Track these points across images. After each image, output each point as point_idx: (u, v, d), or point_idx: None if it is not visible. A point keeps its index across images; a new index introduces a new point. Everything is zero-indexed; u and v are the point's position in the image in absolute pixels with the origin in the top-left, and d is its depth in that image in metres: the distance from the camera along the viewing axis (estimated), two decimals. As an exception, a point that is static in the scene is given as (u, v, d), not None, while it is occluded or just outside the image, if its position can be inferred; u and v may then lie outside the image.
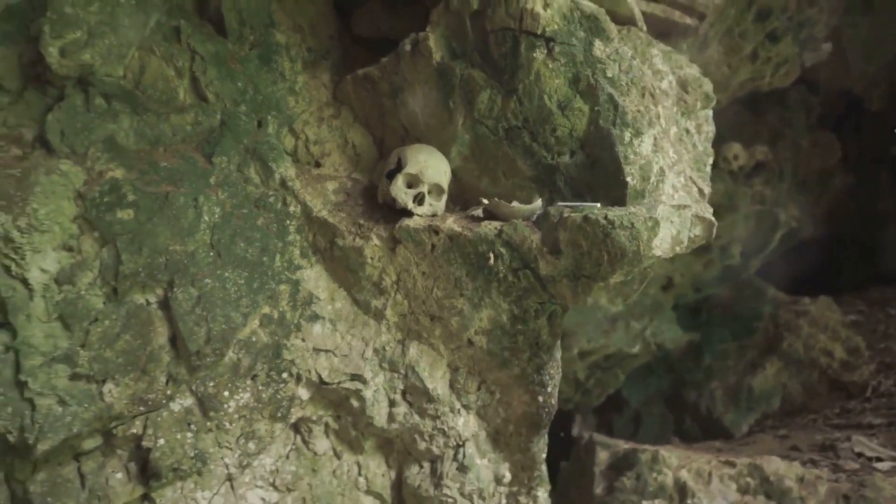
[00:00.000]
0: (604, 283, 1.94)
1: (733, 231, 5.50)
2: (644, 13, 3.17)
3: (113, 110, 2.17)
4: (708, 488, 3.55)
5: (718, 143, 5.69)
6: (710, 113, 2.55)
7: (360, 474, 2.42)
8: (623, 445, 4.00)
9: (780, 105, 6.23)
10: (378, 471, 2.45)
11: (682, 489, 3.57)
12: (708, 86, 2.54)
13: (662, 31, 3.68)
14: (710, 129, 2.51)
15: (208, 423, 2.08)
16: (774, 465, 3.52)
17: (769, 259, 6.43)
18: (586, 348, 4.55)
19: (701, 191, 2.21)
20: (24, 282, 1.86)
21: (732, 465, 3.62)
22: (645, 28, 2.47)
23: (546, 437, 2.46)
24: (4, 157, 2.03)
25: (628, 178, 1.99)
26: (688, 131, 2.38)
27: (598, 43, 2.05)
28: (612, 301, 4.69)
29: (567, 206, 1.96)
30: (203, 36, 2.38)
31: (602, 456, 4.03)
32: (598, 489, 3.88)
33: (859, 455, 3.85)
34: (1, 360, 1.81)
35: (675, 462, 3.70)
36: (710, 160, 2.45)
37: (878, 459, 3.76)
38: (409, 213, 2.15)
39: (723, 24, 4.35)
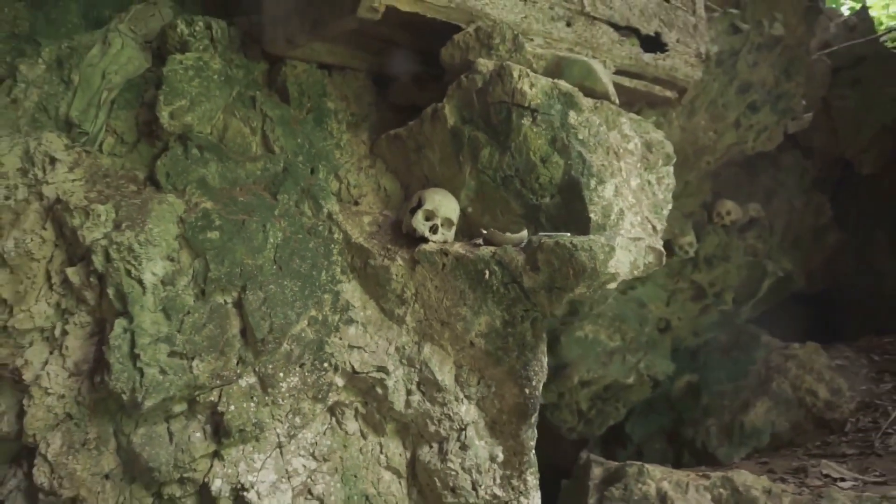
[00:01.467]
0: (571, 293, 2.55)
1: (726, 280, 6.05)
2: (627, 88, 3.85)
3: (204, 158, 2.87)
4: (685, 496, 4.03)
5: (714, 200, 6.33)
6: (671, 169, 3.18)
7: (381, 452, 3.00)
8: (615, 463, 4.51)
9: (774, 168, 6.84)
10: (396, 451, 3.03)
11: (662, 497, 4.05)
12: (669, 148, 3.17)
13: (647, 101, 4.35)
14: (669, 181, 3.13)
15: (266, 398, 2.70)
16: (743, 478, 4.00)
17: (769, 311, 6.94)
18: (586, 378, 5.09)
19: (655, 228, 2.82)
20: (140, 282, 2.53)
21: (707, 477, 4.10)
22: (617, 102, 3.12)
23: (534, 427, 3.01)
24: (125, 191, 2.73)
25: (592, 215, 2.61)
26: (649, 182, 3.00)
27: (572, 113, 2.71)
28: (610, 337, 5.24)
29: (545, 235, 2.58)
30: (272, 103, 3.09)
31: (596, 471, 4.53)
32: (592, 500, 4.37)
33: (826, 476, 4.31)
34: (121, 338, 2.46)
35: (658, 475, 4.19)
36: (669, 206, 3.07)
37: (842, 480, 4.21)
38: (426, 240, 2.80)
39: (707, 96, 5.02)
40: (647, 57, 3.83)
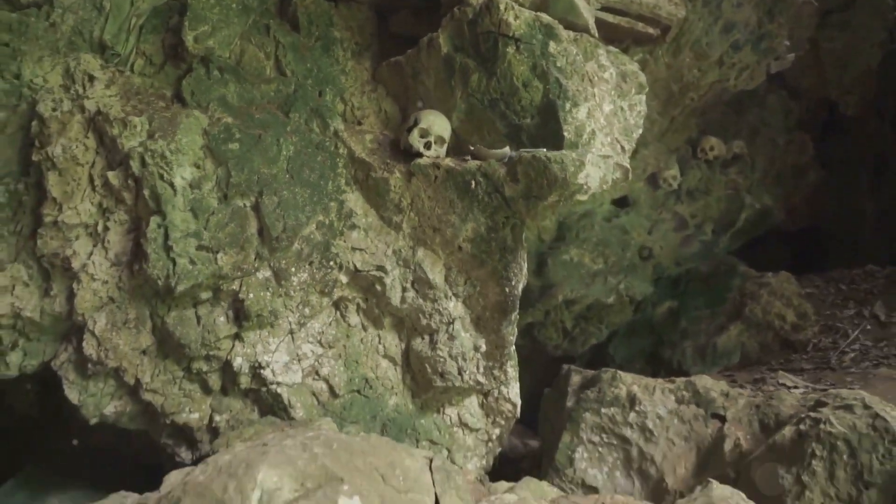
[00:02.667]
0: (545, 201, 2.93)
1: (707, 211, 6.43)
2: (611, 23, 4.16)
3: (224, 79, 3.22)
4: (652, 398, 4.49)
5: (700, 137, 6.65)
6: (643, 97, 3.51)
7: (380, 343, 3.44)
8: (592, 371, 4.96)
9: (760, 107, 7.13)
10: (393, 342, 3.47)
11: (632, 399, 4.51)
12: (642, 78, 3.50)
13: (633, 39, 4.65)
14: (641, 108, 3.47)
15: (280, 290, 3.12)
16: (704, 382, 4.45)
17: (752, 245, 7.33)
18: (570, 297, 5.52)
19: (623, 148, 3.19)
20: (171, 185, 2.91)
21: (672, 381, 4.56)
22: (597, 35, 3.45)
23: (514, 322, 3.44)
24: (156, 106, 3.09)
25: (566, 134, 2.98)
26: (622, 108, 3.35)
27: (552, 43, 3.05)
28: (594, 261, 5.65)
29: (525, 151, 2.96)
30: (284, 31, 3.43)
31: (575, 379, 4.99)
32: (570, 402, 4.83)
33: (781, 384, 4.77)
34: (156, 233, 2.87)
35: (629, 380, 4.64)
36: (639, 130, 3.42)
37: (795, 387, 4.67)
38: (421, 155, 3.17)
39: (692, 35, 5.29)
40: (632, -5, 4.11)
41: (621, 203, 6.22)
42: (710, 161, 6.44)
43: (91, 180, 2.98)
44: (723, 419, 4.35)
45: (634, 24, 4.25)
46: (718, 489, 2.74)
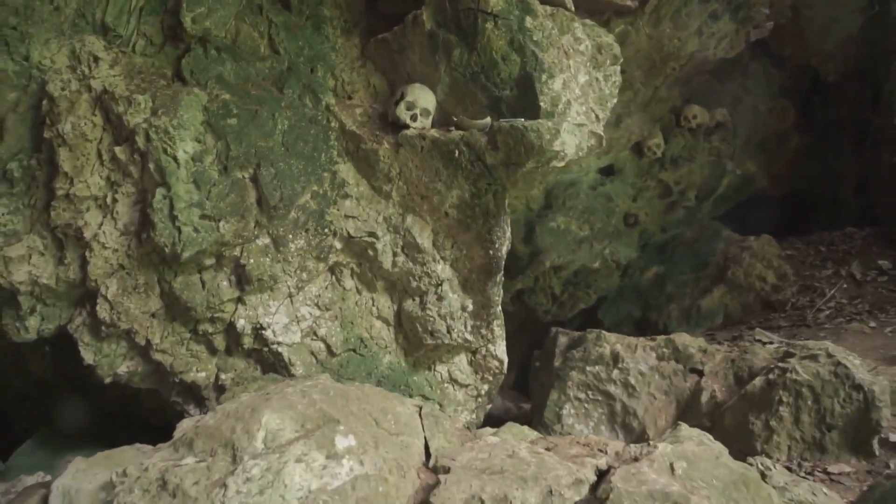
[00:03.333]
0: (523, 168, 3.14)
1: (690, 178, 6.63)
2: (588, -3, 4.32)
3: (221, 58, 3.41)
4: (634, 355, 4.74)
5: (683, 104, 6.82)
6: (618, 68, 3.70)
7: (373, 305, 3.67)
8: (578, 333, 5.21)
9: (742, 76, 7.30)
10: (385, 304, 3.70)
11: (615, 357, 4.76)
12: (617, 49, 3.70)
13: (614, 11, 4.81)
14: (616, 78, 3.67)
15: (279, 256, 3.34)
16: (683, 339, 4.70)
17: (738, 211, 7.55)
18: (557, 263, 5.75)
19: (598, 117, 3.39)
20: (175, 158, 3.12)
21: (653, 339, 4.81)
22: (573, 10, 3.63)
23: (499, 283, 3.67)
24: (158, 85, 3.29)
25: (542, 104, 3.18)
26: (597, 79, 3.55)
27: (528, 18, 3.24)
28: (580, 227, 5.88)
29: (504, 121, 3.16)
30: (276, 10, 3.60)
31: (562, 340, 5.24)
32: (557, 362, 5.09)
33: (757, 340, 5.02)
34: (162, 203, 3.08)
35: (612, 339, 4.89)
36: (614, 100, 3.62)
37: (770, 343, 4.92)
38: (408, 127, 3.38)
39: (672, 6, 5.46)
40: (610, -32, 4.28)
41: (607, 171, 6.43)
42: (693, 129, 6.63)
43: (99, 155, 3.19)
44: (700, 373, 4.61)
45: (612, -2, 4.42)
46: (686, 430, 2.98)
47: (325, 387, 2.65)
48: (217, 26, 3.40)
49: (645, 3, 4.86)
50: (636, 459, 2.62)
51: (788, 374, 3.85)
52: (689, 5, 5.51)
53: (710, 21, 5.63)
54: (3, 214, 3.14)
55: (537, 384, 5.36)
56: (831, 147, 8.04)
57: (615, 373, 4.76)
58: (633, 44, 5.55)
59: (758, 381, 4.07)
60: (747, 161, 7.15)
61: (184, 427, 2.55)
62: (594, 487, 2.48)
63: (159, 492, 2.20)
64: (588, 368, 4.88)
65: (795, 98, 7.87)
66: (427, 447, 2.77)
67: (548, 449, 2.78)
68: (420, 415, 2.91)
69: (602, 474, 2.56)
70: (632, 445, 2.78)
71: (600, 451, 2.75)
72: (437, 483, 2.45)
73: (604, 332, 4.98)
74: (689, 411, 4.47)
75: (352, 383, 3.04)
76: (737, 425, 4.02)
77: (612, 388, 4.78)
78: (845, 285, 6.01)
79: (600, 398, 4.77)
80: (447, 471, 2.53)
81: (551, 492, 2.39)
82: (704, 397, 4.41)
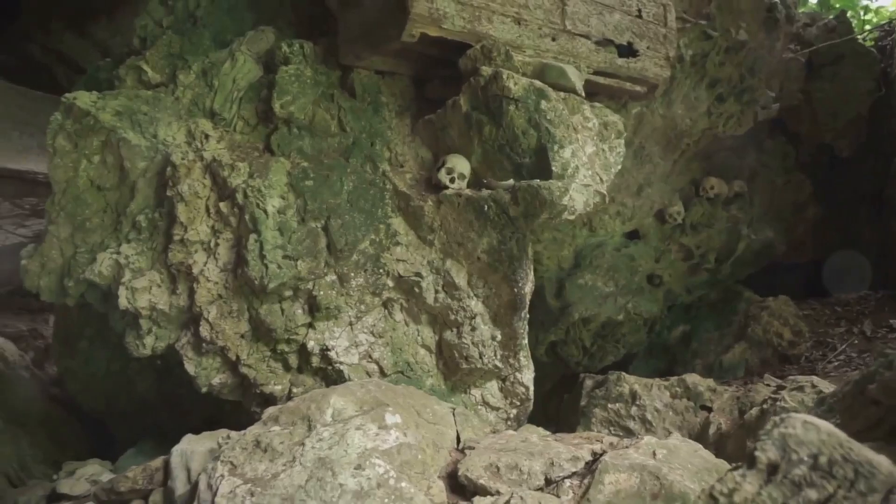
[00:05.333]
0: (539, 218, 3.91)
1: (709, 242, 7.28)
2: (603, 84, 5.16)
3: (301, 135, 4.34)
4: (650, 393, 5.32)
5: (702, 176, 7.54)
6: (622, 141, 4.48)
7: (418, 335, 4.41)
8: (602, 376, 5.82)
9: (759, 151, 8.01)
10: (428, 334, 4.43)
11: (633, 394, 5.35)
12: (621, 126, 4.49)
13: (630, 95, 5.64)
14: (620, 149, 4.44)
15: (342, 290, 4.14)
16: (693, 379, 5.27)
17: (763, 277, 8.11)
18: (584, 315, 6.42)
19: (602, 179, 4.16)
20: (265, 211, 3.99)
21: (667, 380, 5.39)
22: (583, 94, 4.46)
23: (524, 319, 4.37)
24: (253, 156, 4.21)
25: (554, 169, 3.97)
26: (603, 150, 4.34)
27: (543, 102, 4.08)
28: (605, 284, 6.56)
29: (523, 182, 3.96)
30: (344, 98, 4.54)
31: (588, 383, 5.86)
32: (583, 402, 5.70)
33: (766, 385, 5.54)
34: (254, 246, 3.93)
35: (632, 380, 5.49)
36: (618, 166, 4.39)
37: (772, 384, 5.45)
38: (447, 188, 4.20)
39: (682, 90, 6.29)
40: (621, 61, 5.14)
41: (632, 236, 7.14)
42: (711, 199, 7.32)
43: (207, 209, 4.09)
44: (709, 409, 5.17)
45: (622, 84, 5.25)
46: (676, 436, 3.59)
47: (378, 383, 3.40)
48: (299, 111, 4.34)
49: (654, 89, 5.67)
50: (626, 447, 3.26)
51: (778, 403, 4.41)
52: (697, 90, 6.33)
53: (717, 103, 6.42)
54: (132, 255, 4.05)
55: (566, 424, 5.94)
56: (849, 217, 8.59)
57: (633, 409, 5.34)
58: (650, 123, 6.37)
59: (754, 411, 4.63)
60: (766, 228, 7.77)
61: (270, 411, 3.30)
62: (589, 464, 3.12)
63: (254, 449, 2.95)
64: (609, 405, 5.48)
65: (814, 171, 8.51)
66: (458, 437, 3.46)
67: (555, 440, 3.43)
68: (454, 413, 3.61)
69: (597, 456, 3.20)
70: (625, 440, 3.40)
71: (598, 441, 3.38)
72: (464, 456, 3.13)
73: (624, 373, 5.59)
74: (698, 442, 5.01)
75: (399, 385, 3.76)
76: (736, 449, 4.55)
77: (630, 424, 5.35)
78: (856, 341, 6.48)
79: (621, 433, 5.33)
80: (472, 449, 3.21)
81: (553, 463, 3.04)
82: (712, 430, 4.96)
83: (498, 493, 2.86)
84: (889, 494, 1.38)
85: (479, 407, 4.51)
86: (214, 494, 2.76)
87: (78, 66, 10.34)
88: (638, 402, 5.34)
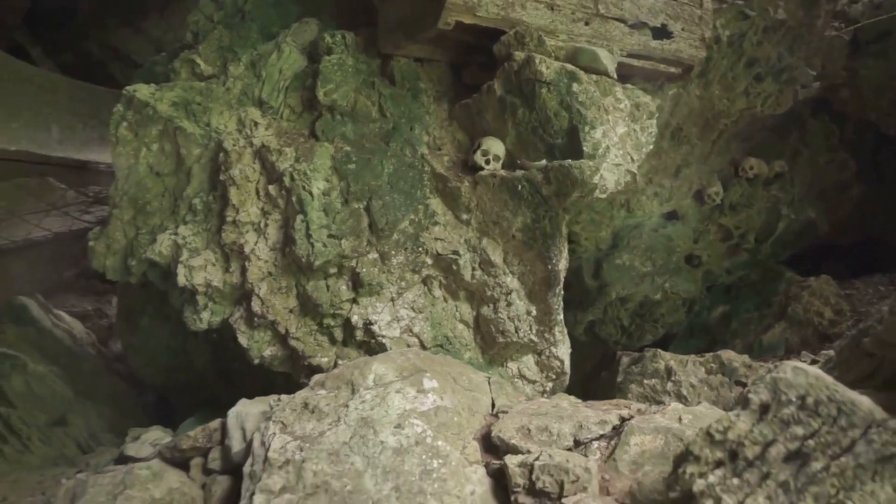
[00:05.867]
0: (571, 197, 4.06)
1: (749, 223, 7.30)
2: (635, 66, 5.26)
3: (343, 121, 4.57)
4: (685, 369, 5.43)
5: (742, 156, 7.54)
6: (654, 121, 4.59)
7: (456, 310, 4.62)
8: (638, 353, 5.94)
9: (800, 130, 7.96)
10: (466, 310, 4.64)
11: (668, 370, 5.47)
12: (652, 107, 4.60)
13: (666, 77, 5.71)
14: (652, 130, 4.55)
15: (384, 267, 4.37)
16: (728, 355, 5.36)
17: (806, 258, 8.08)
18: (622, 294, 6.53)
19: (633, 159, 4.29)
20: (310, 193, 4.24)
21: (703, 356, 5.48)
22: (615, 77, 4.58)
23: (559, 295, 4.54)
24: (299, 141, 4.46)
25: (585, 149, 4.11)
26: (635, 130, 4.46)
27: (574, 85, 4.22)
28: (643, 264, 6.65)
29: (555, 162, 4.11)
30: (384, 85, 4.75)
31: (625, 360, 5.99)
32: (619, 378, 5.83)
33: (803, 361, 5.59)
34: (301, 226, 4.18)
35: (667, 357, 5.60)
36: (650, 146, 4.51)
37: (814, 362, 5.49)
38: (482, 169, 4.38)
39: (719, 71, 6.32)
40: (655, 43, 5.23)
41: (671, 217, 7.20)
42: (750, 179, 7.32)
43: (257, 192, 4.36)
44: (744, 385, 5.26)
45: (657, 66, 5.34)
46: (706, 404, 3.72)
47: (417, 352, 3.62)
48: (341, 98, 4.57)
49: (689, 70, 5.73)
50: (654, 413, 3.41)
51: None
52: (735, 70, 6.35)
53: (755, 83, 6.43)
54: (189, 235, 4.35)
55: (602, 399, 6.08)
56: (894, 196, 8.46)
57: (669, 385, 5.46)
58: (687, 104, 6.43)
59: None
60: (808, 208, 7.73)
61: (316, 377, 3.56)
62: (616, 427, 3.29)
63: (302, 410, 3.20)
64: (645, 381, 5.60)
65: (858, 150, 8.41)
66: (493, 404, 3.66)
67: (585, 406, 3.60)
68: (489, 382, 3.81)
69: (625, 420, 3.36)
70: (653, 406, 3.55)
71: (626, 407, 3.54)
72: (497, 420, 3.33)
73: (659, 350, 5.71)
74: (732, 416, 5.10)
75: (437, 355, 3.98)
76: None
77: (666, 399, 5.47)
78: (898, 319, 6.43)
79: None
80: (505, 413, 3.41)
81: (581, 426, 3.22)
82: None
83: (528, 451, 3.05)
84: (868, 429, 1.53)
85: (517, 380, 4.70)
86: (267, 450, 3.02)
87: (132, 62, 10.81)
88: (673, 378, 5.46)
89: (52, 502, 3.41)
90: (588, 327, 7.09)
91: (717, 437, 1.69)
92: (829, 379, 1.65)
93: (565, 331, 4.72)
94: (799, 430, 1.59)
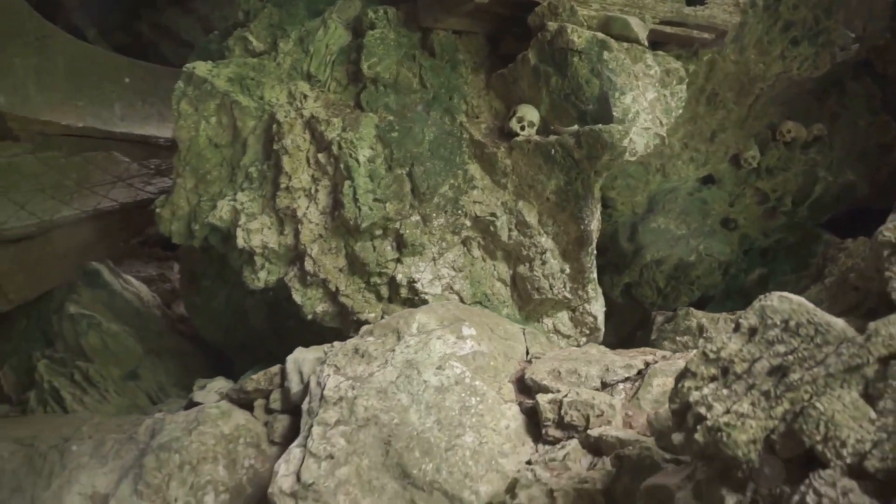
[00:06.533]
0: (601, 160, 4.29)
1: (786, 186, 7.38)
2: (668, 33, 5.40)
3: (387, 92, 4.85)
4: (716, 326, 5.64)
5: (780, 120, 7.61)
6: (683, 87, 4.77)
7: (494, 269, 4.91)
8: (672, 312, 6.16)
9: (840, 93, 7.96)
10: (503, 269, 4.92)
11: (700, 328, 5.68)
12: (682, 72, 4.77)
13: (700, 43, 5.84)
14: (682, 95, 4.73)
15: (426, 229, 4.68)
16: (759, 312, 5.53)
17: (847, 222, 8.12)
18: (657, 256, 6.73)
19: (662, 123, 4.48)
20: (357, 160, 4.55)
21: (734, 313, 5.67)
22: (646, 44, 4.75)
23: (591, 254, 4.78)
24: (345, 112, 4.77)
25: (615, 114, 4.32)
26: (664, 95, 4.64)
27: (605, 53, 4.42)
28: (677, 227, 6.83)
29: (587, 127, 4.34)
30: (424, 57, 5.02)
31: (659, 319, 6.21)
32: (653, 336, 6.07)
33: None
34: (348, 191, 4.51)
35: (700, 315, 5.81)
36: (679, 110, 4.69)
37: (843, 319, 5.63)
38: (518, 135, 4.63)
39: (755, 35, 6.40)
40: (688, 9, 5.37)
41: (707, 181, 7.33)
42: (788, 143, 7.39)
43: (307, 160, 4.70)
44: (774, 341, 5.43)
45: (690, 32, 5.47)
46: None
47: (457, 304, 3.93)
48: (384, 70, 4.85)
49: (723, 35, 5.84)
50: (678, 359, 3.66)
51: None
52: (770, 34, 6.42)
53: (791, 46, 6.50)
54: (246, 201, 4.72)
55: (638, 357, 6.32)
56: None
57: (700, 341, 5.67)
58: (721, 69, 6.54)
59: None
60: (847, 171, 7.76)
61: (365, 327, 3.90)
62: (641, 371, 3.55)
63: (353, 355, 3.55)
64: (678, 338, 5.83)
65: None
66: (528, 352, 3.96)
67: (614, 353, 3.87)
68: (524, 332, 4.11)
69: (648, 365, 3.62)
70: (677, 353, 3.81)
71: (651, 354, 3.80)
72: (530, 365, 3.63)
73: (692, 308, 5.92)
74: (761, 370, 5.31)
75: (475, 307, 4.29)
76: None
77: (698, 355, 5.69)
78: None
79: (689, 364, 5.67)
80: (538, 359, 3.70)
81: (608, 369, 3.50)
82: (775, 358, 5.25)
83: (558, 391, 3.34)
84: (839, 346, 1.78)
85: (552, 335, 4.98)
86: (323, 389, 3.39)
87: (182, 40, 11.27)
88: (705, 335, 5.67)
89: (134, 437, 3.85)
90: (625, 290, 7.31)
91: (712, 356, 1.95)
92: (810, 305, 1.90)
93: (599, 289, 4.97)
94: (781, 348, 1.84)
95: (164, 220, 4.97)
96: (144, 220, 6.84)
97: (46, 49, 6.56)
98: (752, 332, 1.94)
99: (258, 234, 4.68)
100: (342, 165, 4.56)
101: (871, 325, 1.74)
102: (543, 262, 4.74)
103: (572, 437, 3.12)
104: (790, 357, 1.82)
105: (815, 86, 7.51)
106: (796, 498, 1.61)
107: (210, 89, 4.82)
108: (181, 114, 4.86)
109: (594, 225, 4.71)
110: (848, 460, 1.61)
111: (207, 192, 4.90)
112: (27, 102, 6.12)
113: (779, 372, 1.83)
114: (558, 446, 3.13)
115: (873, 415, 1.65)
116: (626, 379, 3.49)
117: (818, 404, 1.69)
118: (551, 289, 4.74)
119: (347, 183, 4.54)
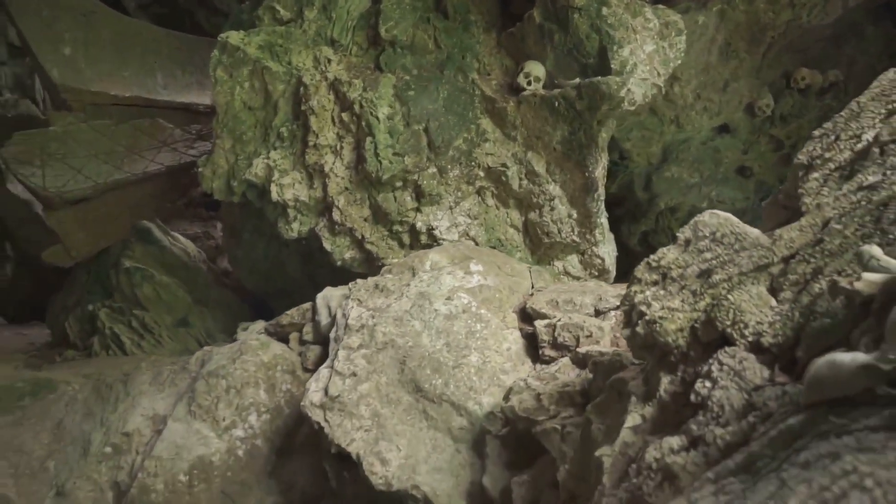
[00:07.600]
0: (601, 110, 4.62)
1: (800, 132, 7.56)
2: (672, -14, 5.63)
3: (404, 53, 5.23)
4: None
5: (795, 68, 7.75)
6: (682, 38, 5.03)
7: (507, 216, 5.30)
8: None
9: (858, 39, 8.04)
10: (515, 216, 5.31)
11: (707, 269, 6.00)
12: (681, 24, 5.03)
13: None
14: (681, 46, 5.00)
15: (442, 180, 5.09)
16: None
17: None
18: (670, 204, 7.03)
19: (660, 73, 4.78)
20: (377, 118, 4.97)
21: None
22: (647, -2, 5.02)
23: (597, 199, 5.14)
24: (366, 73, 5.17)
25: (613, 66, 4.64)
26: (663, 47, 4.92)
27: (604, 8, 4.72)
28: (690, 175, 7.10)
29: (587, 80, 4.67)
30: (438, 19, 5.37)
31: (670, 263, 6.53)
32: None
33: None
34: (370, 147, 4.93)
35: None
36: (678, 61, 4.97)
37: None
38: (525, 90, 4.98)
39: (763, -16, 6.56)
40: (692, -38, 5.59)
41: (723, 131, 7.56)
42: (802, 90, 7.54)
43: (332, 120, 5.13)
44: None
45: (694, -15, 5.70)
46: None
47: (468, 245, 4.36)
48: (401, 33, 5.23)
49: (731, -15, 6.04)
50: (667, 290, 4.03)
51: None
52: (780, -19, 6.57)
53: (800, -7, 6.64)
54: (278, 159, 5.18)
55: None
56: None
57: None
58: (732, 19, 6.72)
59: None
60: (864, 116, 7.87)
61: (385, 267, 4.36)
62: (632, 300, 3.93)
63: (374, 289, 4.01)
64: (686, 280, 6.15)
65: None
66: (533, 287, 4.37)
67: (609, 285, 4.26)
68: (530, 270, 4.52)
69: (640, 295, 3.99)
70: (668, 285, 4.17)
71: (644, 286, 4.17)
72: (532, 297, 4.05)
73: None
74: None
75: (485, 248, 4.71)
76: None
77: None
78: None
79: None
80: (539, 292, 4.12)
81: (601, 298, 3.90)
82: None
83: (555, 317, 3.76)
84: (752, 249, 2.16)
85: (562, 276, 5.38)
86: (347, 318, 3.86)
87: (216, 9, 11.73)
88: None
89: (187, 367, 4.40)
90: (642, 238, 7.63)
91: (654, 264, 2.35)
92: (734, 219, 2.27)
93: (606, 232, 5.34)
94: (708, 255, 2.23)
95: (206, 178, 5.47)
96: (188, 181, 7.39)
97: (93, 23, 7.08)
98: (687, 243, 2.32)
99: (290, 188, 5.15)
100: (364, 123, 4.98)
101: (777, 231, 2.12)
102: (552, 209, 5.12)
103: (565, 355, 3.55)
104: (714, 261, 2.20)
105: (834, 33, 7.62)
106: (705, 368, 2.01)
107: (242, 57, 5.25)
108: (217, 80, 5.32)
109: (599, 172, 5.06)
110: (749, 339, 2.00)
111: (244, 152, 5.38)
112: (79, 75, 6.66)
113: (705, 274, 2.22)
114: (553, 365, 3.56)
115: (774, 303, 2.04)
116: (618, 307, 3.88)
117: (730, 296, 2.09)
118: (560, 233, 5.12)
119: (369, 139, 4.96)
